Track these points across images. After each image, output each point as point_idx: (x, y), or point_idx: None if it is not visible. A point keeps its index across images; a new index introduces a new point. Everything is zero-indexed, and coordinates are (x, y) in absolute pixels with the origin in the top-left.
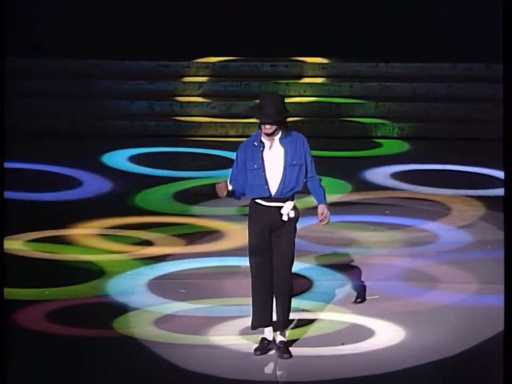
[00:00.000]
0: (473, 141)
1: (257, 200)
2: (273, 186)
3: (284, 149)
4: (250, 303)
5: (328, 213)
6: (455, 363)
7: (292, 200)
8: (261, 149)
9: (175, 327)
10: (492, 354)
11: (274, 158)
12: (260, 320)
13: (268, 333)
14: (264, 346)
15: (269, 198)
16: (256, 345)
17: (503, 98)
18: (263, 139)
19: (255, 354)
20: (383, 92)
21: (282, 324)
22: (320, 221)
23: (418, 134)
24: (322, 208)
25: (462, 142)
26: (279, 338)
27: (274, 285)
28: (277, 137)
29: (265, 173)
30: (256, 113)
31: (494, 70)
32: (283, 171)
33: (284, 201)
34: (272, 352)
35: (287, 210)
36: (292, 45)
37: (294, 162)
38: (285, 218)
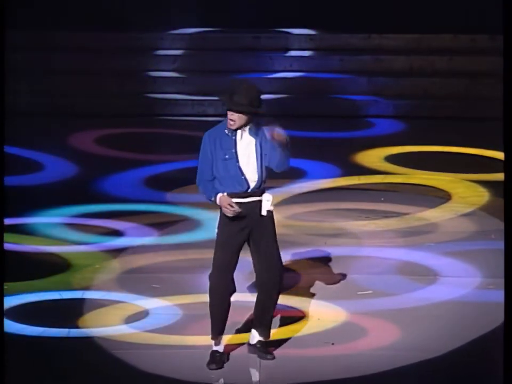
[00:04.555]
0: (475, 120)
1: (232, 199)
2: (250, 179)
3: (255, 139)
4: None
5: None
6: (455, 364)
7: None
8: (233, 137)
9: (148, 326)
10: (495, 355)
11: (246, 148)
12: (221, 329)
13: (219, 343)
14: (218, 359)
15: (246, 193)
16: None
17: (503, 73)
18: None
19: (210, 369)
20: (377, 66)
21: (268, 330)
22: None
23: (416, 112)
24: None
25: (464, 121)
26: (257, 338)
27: (263, 285)
28: (247, 128)
29: (239, 163)
30: (225, 98)
31: (498, 42)
32: (258, 161)
33: (260, 195)
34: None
35: (268, 203)
36: (276, 14)
37: (265, 153)
38: (264, 213)
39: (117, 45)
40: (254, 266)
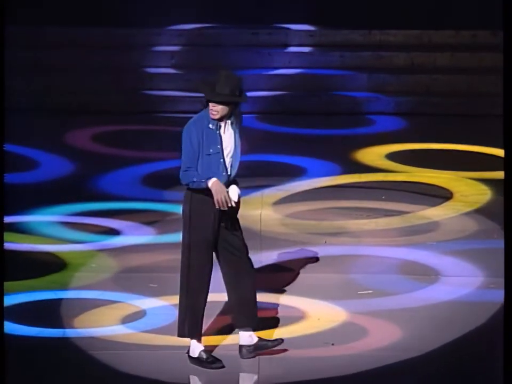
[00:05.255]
0: (477, 117)
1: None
2: (229, 173)
3: (234, 131)
4: (187, 303)
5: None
6: (456, 364)
7: None
8: (218, 132)
9: (145, 326)
10: (496, 354)
11: (228, 141)
12: (198, 327)
13: (199, 344)
14: (215, 358)
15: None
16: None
17: (503, 69)
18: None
19: (218, 367)
20: (377, 62)
21: (257, 319)
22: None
23: (417, 109)
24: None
25: (466, 118)
26: (255, 337)
27: (245, 277)
28: (229, 121)
29: (223, 159)
30: (205, 90)
31: (500, 37)
32: (235, 155)
33: (228, 186)
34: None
35: (236, 193)
36: (275, 10)
37: (239, 143)
38: (234, 200)
39: (114, 41)
40: (224, 261)
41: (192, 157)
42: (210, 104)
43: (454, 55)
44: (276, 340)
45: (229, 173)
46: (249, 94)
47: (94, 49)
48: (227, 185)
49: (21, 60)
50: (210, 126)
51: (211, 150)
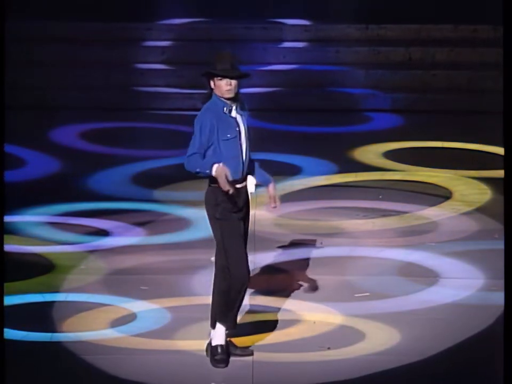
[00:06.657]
0: (477, 114)
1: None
2: (246, 159)
3: (242, 115)
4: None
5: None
6: (456, 368)
7: None
8: (231, 115)
9: (135, 330)
10: (497, 358)
11: (241, 123)
12: (225, 316)
13: (222, 338)
14: (225, 356)
15: (242, 176)
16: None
17: (503, 65)
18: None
19: (218, 367)
20: (375, 58)
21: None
22: (274, 207)
23: (415, 106)
24: (274, 190)
25: (465, 115)
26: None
27: (244, 277)
28: (235, 104)
29: (241, 141)
30: (217, 69)
31: (500, 32)
32: (247, 141)
33: (246, 178)
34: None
35: (253, 184)
36: (270, 4)
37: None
38: (251, 193)
39: (103, 35)
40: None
41: (199, 143)
42: (224, 83)
43: (453, 50)
44: (248, 349)
45: (246, 156)
46: (242, 90)
47: (82, 44)
48: (245, 168)
49: (7, 54)
50: (225, 109)
51: (228, 135)
